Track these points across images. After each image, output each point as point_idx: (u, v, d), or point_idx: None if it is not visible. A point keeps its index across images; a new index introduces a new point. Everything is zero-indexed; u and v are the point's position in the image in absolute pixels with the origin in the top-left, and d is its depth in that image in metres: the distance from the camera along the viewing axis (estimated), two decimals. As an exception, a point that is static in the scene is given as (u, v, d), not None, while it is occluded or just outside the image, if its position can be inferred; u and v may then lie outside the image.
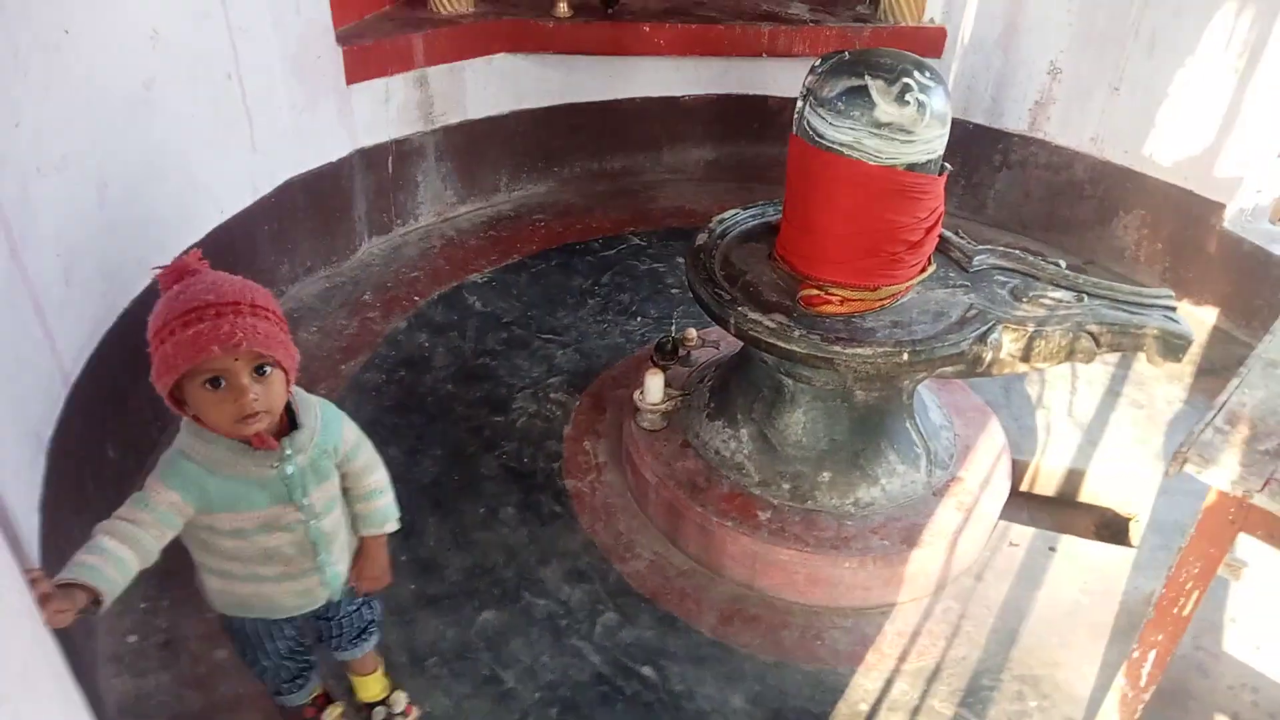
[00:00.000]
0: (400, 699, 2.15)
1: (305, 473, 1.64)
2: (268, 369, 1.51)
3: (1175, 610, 1.78)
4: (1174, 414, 3.29)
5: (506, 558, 2.60)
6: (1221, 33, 3.46)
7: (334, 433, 1.71)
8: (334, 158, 3.57)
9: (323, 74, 3.40)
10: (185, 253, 1.56)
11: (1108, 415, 3.28)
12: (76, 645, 1.99)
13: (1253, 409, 1.71)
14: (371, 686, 2.14)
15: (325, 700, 2.13)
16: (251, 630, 1.86)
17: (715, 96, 4.53)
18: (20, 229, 2.16)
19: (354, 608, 1.97)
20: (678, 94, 4.47)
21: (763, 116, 4.55)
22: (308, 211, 3.55)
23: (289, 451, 1.60)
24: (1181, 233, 3.81)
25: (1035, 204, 4.26)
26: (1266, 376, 1.82)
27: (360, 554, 1.87)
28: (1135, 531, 2.94)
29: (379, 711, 2.13)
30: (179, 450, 1.57)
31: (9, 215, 2.12)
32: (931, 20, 4.15)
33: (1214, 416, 1.69)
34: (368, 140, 3.71)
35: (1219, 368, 3.53)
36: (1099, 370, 3.44)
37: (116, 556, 1.45)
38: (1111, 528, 3.03)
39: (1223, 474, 1.57)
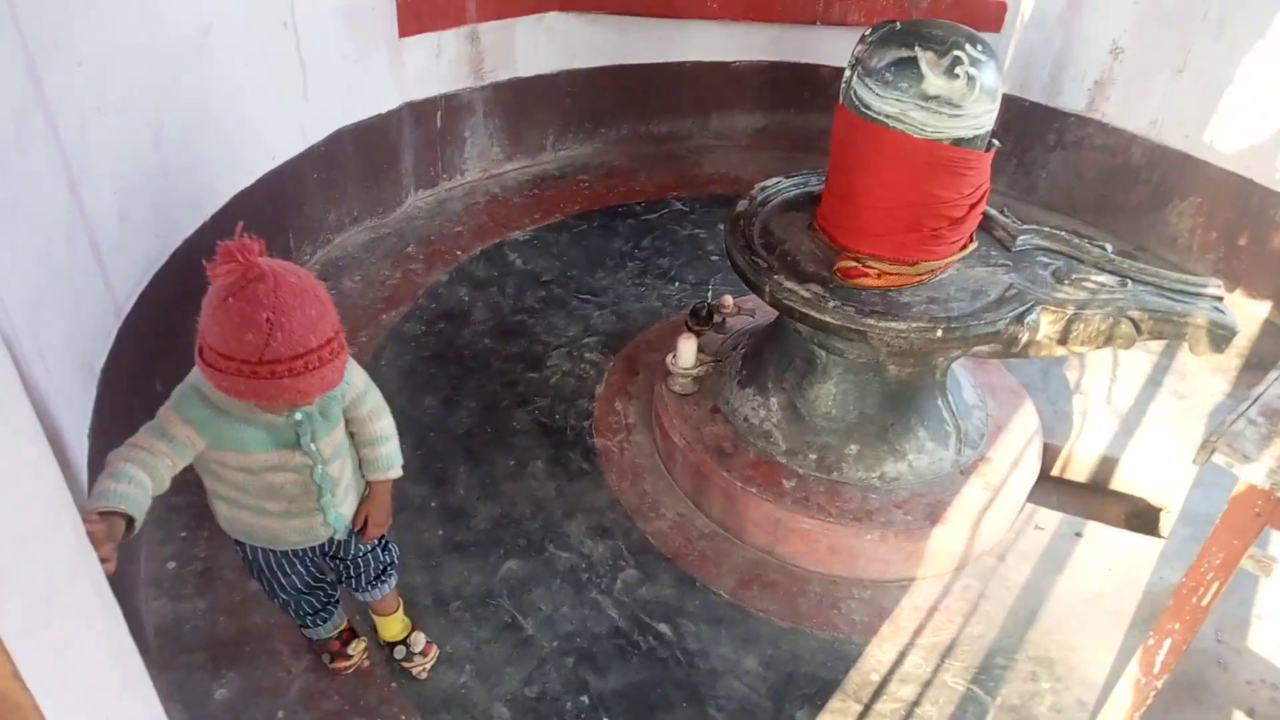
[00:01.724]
0: (419, 639, 2.22)
1: (314, 418, 1.69)
2: None
3: (1194, 600, 1.77)
4: (1215, 406, 3.23)
5: (533, 510, 2.66)
6: (1295, 16, 3.33)
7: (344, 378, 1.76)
8: (383, 109, 3.61)
9: (376, 26, 3.43)
10: (236, 237, 1.46)
11: (1147, 404, 3.23)
12: (118, 568, 2.08)
13: (1289, 403, 1.68)
14: (392, 626, 2.21)
15: (351, 634, 2.21)
16: (265, 562, 1.93)
17: (766, 63, 4.47)
18: (79, 167, 2.23)
19: (370, 549, 2.03)
20: (729, 59, 4.42)
21: (814, 86, 4.49)
22: (356, 162, 3.60)
23: None
24: (1238, 222, 3.70)
25: (1088, 186, 4.17)
26: (1307, 370, 1.78)
27: (366, 498, 1.93)
28: (1166, 522, 2.91)
29: (399, 650, 2.20)
30: (193, 386, 1.61)
31: (69, 154, 2.19)
32: (993, -7, 4.05)
33: (1248, 408, 1.66)
34: (418, 94, 3.74)
35: (1267, 362, 3.45)
36: (1141, 359, 3.38)
37: (142, 483, 1.51)
38: (1142, 517, 3.00)
39: (1252, 466, 1.55)
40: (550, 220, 3.95)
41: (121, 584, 2.09)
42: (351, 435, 1.84)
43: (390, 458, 1.90)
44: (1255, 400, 1.68)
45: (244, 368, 1.45)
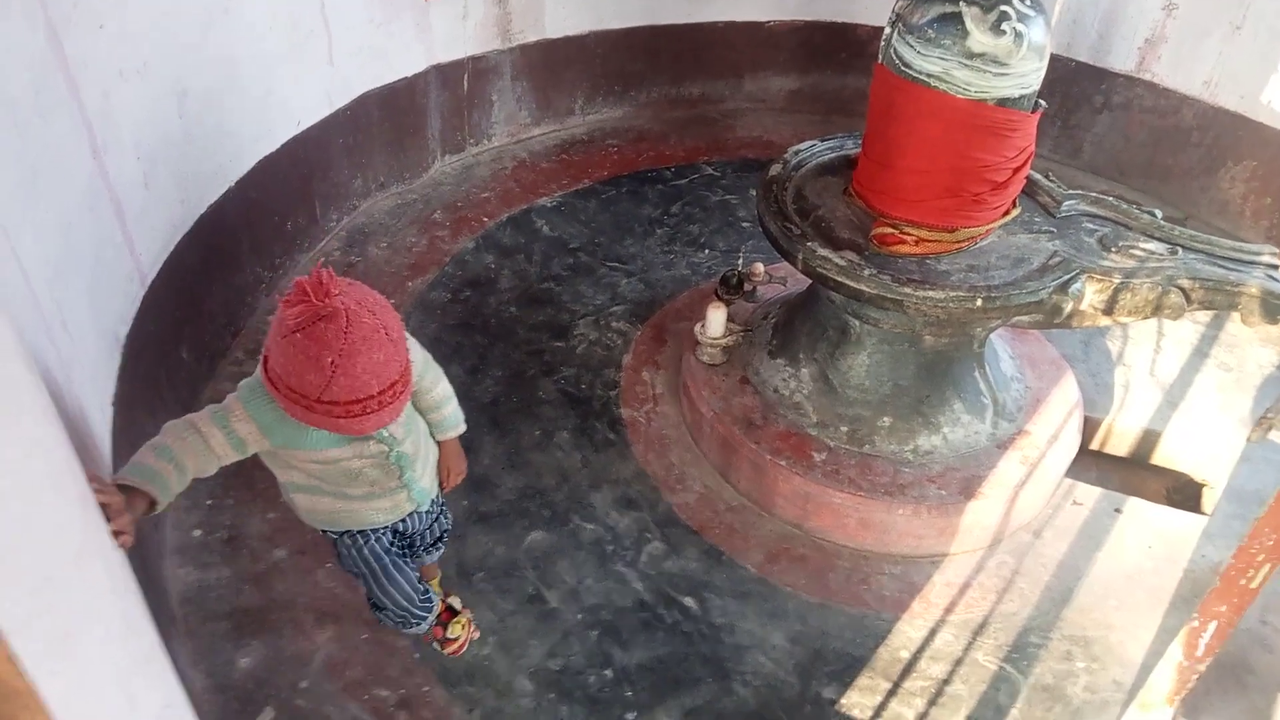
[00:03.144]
0: (457, 600, 2.22)
1: None
2: None
3: (1243, 582, 1.69)
4: (1265, 379, 3.11)
5: (558, 481, 2.63)
6: (1364, -33, 3.15)
7: None
8: (410, 73, 3.55)
9: (401, -13, 3.37)
10: (311, 273, 1.42)
11: (1192, 376, 3.12)
12: (144, 535, 2.08)
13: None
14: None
15: (449, 614, 2.18)
16: (377, 562, 1.87)
17: (802, 23, 4.34)
18: (103, 133, 2.20)
19: (434, 516, 2.01)
20: (762, 19, 4.30)
21: (851, 46, 4.35)
22: (382, 127, 3.55)
23: None
24: (1295, 187, 3.55)
25: (1136, 150, 4.01)
26: (1372, 345, 1.68)
27: (440, 457, 1.93)
28: (1209, 499, 2.82)
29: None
30: (262, 384, 1.53)
31: (92, 119, 2.16)
32: (1039, -54, 3.88)
33: (1308, 384, 1.57)
34: (444, 57, 3.68)
35: (1319, 333, 3.31)
36: (1187, 329, 3.26)
37: (181, 464, 1.49)
38: (1184, 493, 2.91)
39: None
40: (578, 186, 3.88)
41: (147, 552, 2.10)
42: (414, 402, 1.81)
43: (454, 416, 1.90)
44: (1316, 376, 1.59)
45: (301, 400, 1.44)
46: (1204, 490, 2.86)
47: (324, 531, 1.87)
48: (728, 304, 2.80)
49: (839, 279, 2.26)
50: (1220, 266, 2.27)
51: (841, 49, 4.37)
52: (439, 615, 2.16)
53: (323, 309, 1.39)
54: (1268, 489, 2.69)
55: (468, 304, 3.24)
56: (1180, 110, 3.81)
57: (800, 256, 2.33)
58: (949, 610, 2.37)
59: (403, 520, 1.89)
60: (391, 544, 1.93)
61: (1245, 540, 1.66)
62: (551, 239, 3.57)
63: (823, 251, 2.30)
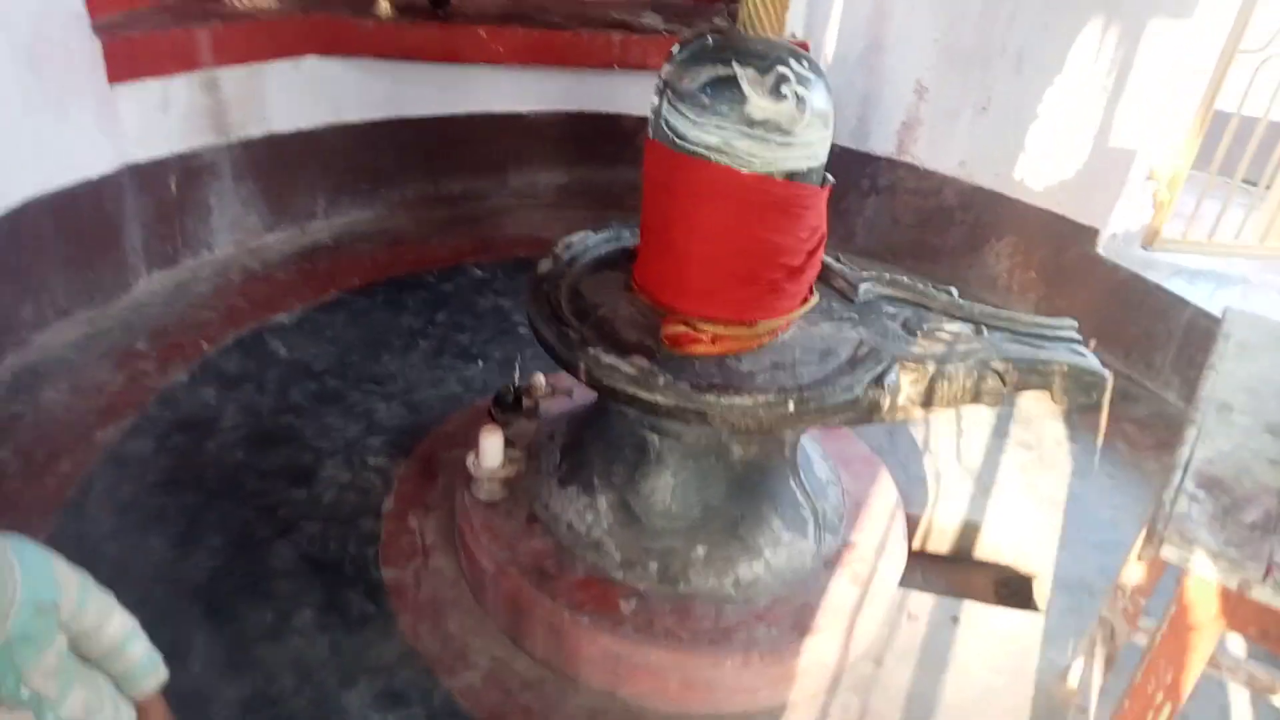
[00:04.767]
0: None
1: (9, 652, 1.17)
2: None
3: (1141, 725, 1.41)
4: (1064, 454, 3.05)
5: (298, 681, 2.01)
6: (1089, 49, 3.31)
7: (44, 583, 1.23)
8: (93, 174, 2.90)
9: (73, 69, 2.75)
10: None
11: (997, 458, 3.01)
12: None
13: (1222, 467, 1.38)
14: None
15: None
16: None
17: (565, 114, 4.10)
18: None
19: None
20: (522, 110, 4.01)
21: (618, 137, 4.15)
22: (58, 240, 2.86)
23: None
24: (1054, 259, 3.63)
25: (905, 230, 4.03)
26: (1223, 423, 1.49)
27: None
28: (1039, 591, 2.64)
29: None
30: None
31: None
32: (793, 35, 3.87)
33: (1182, 479, 1.33)
34: (142, 154, 3.07)
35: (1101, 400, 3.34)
36: (983, 409, 3.17)
37: None
38: (1012, 586, 2.73)
39: (1211, 560, 1.21)
40: (324, 298, 3.33)
41: None
42: (77, 651, 1.33)
43: (146, 661, 1.44)
44: (1186, 468, 1.36)
45: None
46: (1033, 583, 2.69)
47: None
48: (505, 426, 2.35)
49: (630, 390, 1.88)
50: (1027, 344, 2.11)
51: (608, 141, 4.16)
52: None
53: None
54: (1093, 576, 2.56)
55: (177, 453, 2.57)
56: (941, 190, 3.86)
57: (583, 366, 1.93)
58: (798, 777, 1.97)
59: None
60: None
61: (1138, 679, 1.38)
62: (290, 362, 2.98)
63: (608, 359, 1.91)
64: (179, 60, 3.04)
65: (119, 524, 2.34)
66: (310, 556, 2.32)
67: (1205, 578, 1.23)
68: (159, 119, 3.08)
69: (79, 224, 2.91)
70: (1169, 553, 1.23)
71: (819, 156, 1.92)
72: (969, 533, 2.77)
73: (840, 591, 2.21)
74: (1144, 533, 1.30)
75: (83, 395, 2.74)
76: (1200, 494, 1.31)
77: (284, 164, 3.52)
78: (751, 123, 1.78)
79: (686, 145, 1.83)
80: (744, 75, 1.76)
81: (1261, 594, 1.18)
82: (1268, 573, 1.19)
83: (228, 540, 2.33)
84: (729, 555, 2.17)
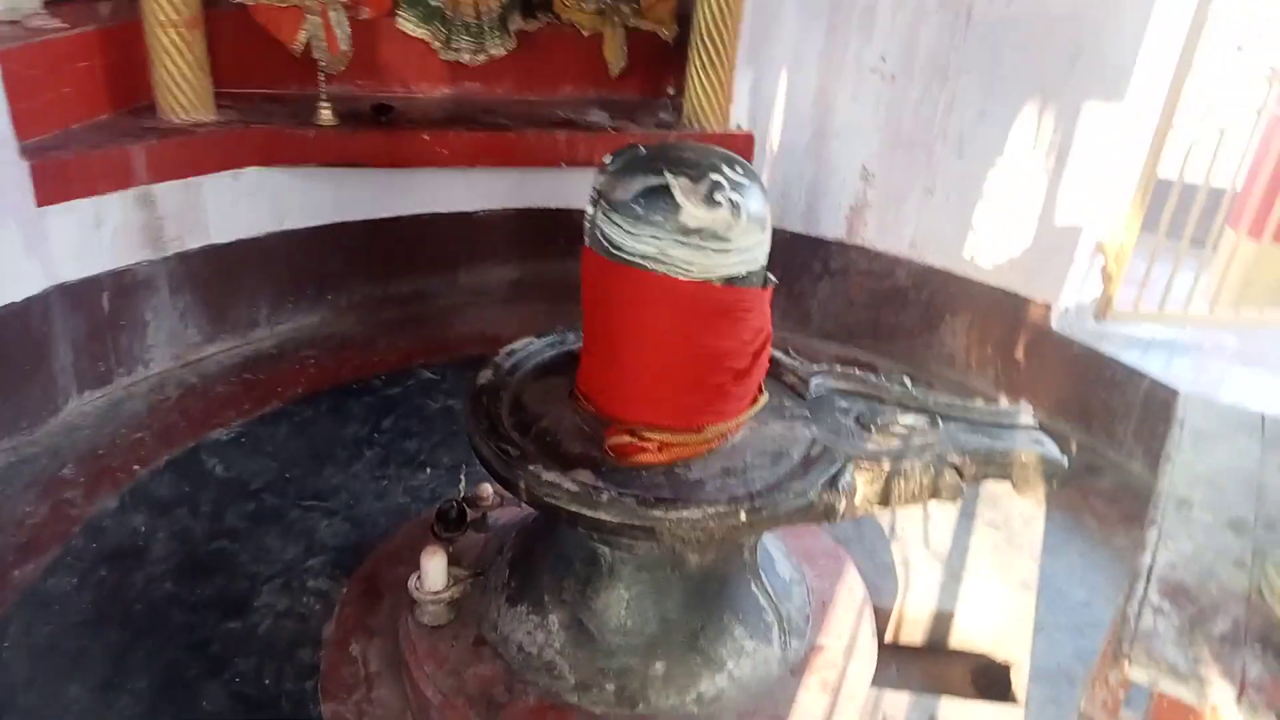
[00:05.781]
0: None
1: None
2: None
3: None
4: (1034, 533, 2.99)
5: (227, 842, 1.85)
6: (1028, 132, 3.37)
7: None
8: (17, 297, 2.80)
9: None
10: None
11: (966, 541, 2.94)
12: None
13: (1185, 572, 1.31)
14: None
15: None
16: None
17: (513, 211, 4.09)
18: None
19: None
20: (470, 209, 3.99)
21: (567, 231, 4.10)
22: (-21, 365, 2.74)
23: None
24: (1010, 335, 3.63)
25: (860, 312, 4.03)
26: (1183, 521, 1.44)
27: None
28: (1017, 680, 2.54)
29: None
30: None
31: None
32: (738, 126, 3.92)
33: (1145, 589, 1.27)
34: (71, 274, 2.98)
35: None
36: (947, 493, 3.12)
37: None
38: (990, 676, 2.62)
39: (1181, 683, 1.13)
40: (264, 410, 3.22)
41: None
42: None
43: None
44: (1149, 576, 1.29)
45: None
46: (1010, 671, 2.59)
47: None
48: (449, 544, 2.24)
49: (572, 509, 1.79)
50: (984, 435, 2.06)
51: (558, 235, 4.14)
52: None
53: None
54: (1070, 662, 2.48)
55: (102, 588, 2.42)
56: (894, 271, 3.87)
57: (522, 485, 1.84)
58: None
59: None
60: None
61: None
62: (226, 481, 2.85)
63: (549, 476, 1.82)
64: (112, 179, 2.98)
65: (35, 671, 2.17)
66: (243, 695, 2.16)
67: (1173, 696, 1.15)
68: (91, 237, 3.00)
69: (2, 348, 2.79)
70: (1137, 674, 1.15)
71: (758, 260, 1.89)
72: (942, 622, 2.68)
73: (810, 701, 2.09)
74: (1106, 649, 1.22)
75: (1, 531, 2.58)
76: (1165, 605, 1.25)
77: (224, 274, 3.44)
78: (686, 231, 1.74)
79: (623, 255, 1.79)
80: (676, 184, 1.73)
81: (1235, 717, 1.10)
82: (1241, 692, 1.11)
83: (154, 683, 2.17)
84: (690, 670, 2.06)
